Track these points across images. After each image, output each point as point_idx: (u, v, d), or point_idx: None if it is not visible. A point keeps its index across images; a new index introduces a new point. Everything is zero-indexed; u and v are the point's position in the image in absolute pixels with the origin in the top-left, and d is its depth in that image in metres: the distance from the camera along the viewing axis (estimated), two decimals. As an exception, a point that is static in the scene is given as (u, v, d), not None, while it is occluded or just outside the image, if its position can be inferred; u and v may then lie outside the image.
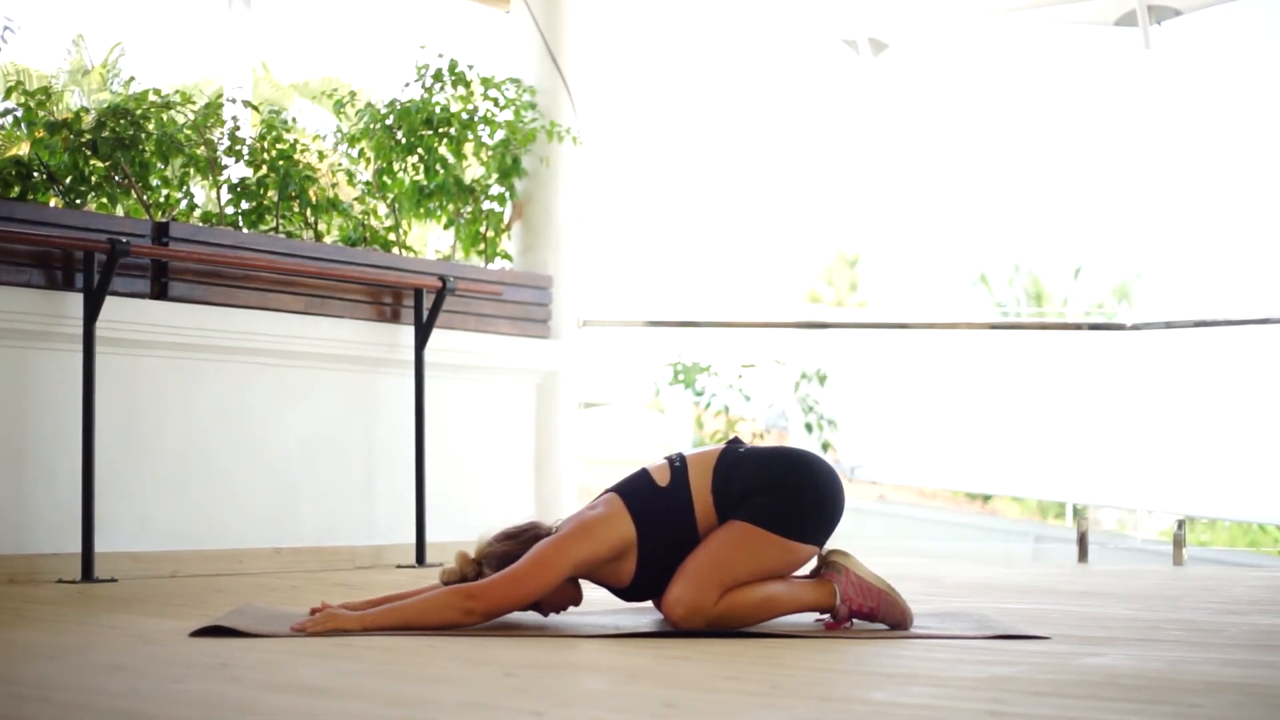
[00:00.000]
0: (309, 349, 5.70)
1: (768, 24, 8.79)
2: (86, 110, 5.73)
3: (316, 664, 2.95)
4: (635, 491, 3.62)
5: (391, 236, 6.48)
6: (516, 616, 3.86)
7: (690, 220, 21.03)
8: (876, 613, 3.62)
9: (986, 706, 2.49)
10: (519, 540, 3.64)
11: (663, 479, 3.63)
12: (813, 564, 3.74)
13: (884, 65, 8.69)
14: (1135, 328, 8.09)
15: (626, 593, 3.67)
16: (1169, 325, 8.08)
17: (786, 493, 3.57)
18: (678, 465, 3.65)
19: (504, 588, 3.50)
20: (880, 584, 3.62)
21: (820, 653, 3.23)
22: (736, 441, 3.75)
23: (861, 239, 22.92)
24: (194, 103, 5.92)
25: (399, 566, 5.77)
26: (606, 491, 3.69)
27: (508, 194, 6.91)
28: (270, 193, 5.94)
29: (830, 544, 3.72)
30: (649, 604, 3.91)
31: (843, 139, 20.05)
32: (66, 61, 11.45)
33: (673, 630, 3.56)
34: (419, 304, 5.98)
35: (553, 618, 3.84)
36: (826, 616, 3.69)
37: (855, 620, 3.67)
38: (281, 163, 5.93)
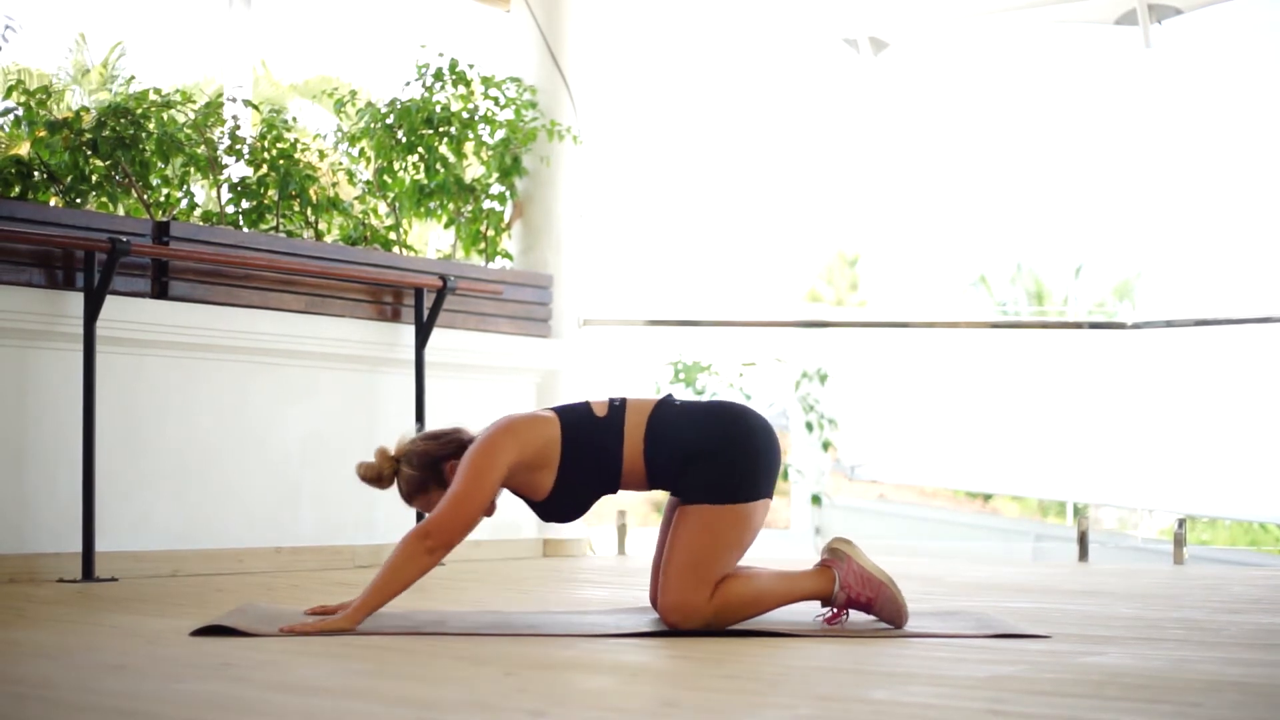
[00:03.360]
0: (309, 348, 5.70)
1: (768, 24, 8.79)
2: (87, 109, 5.73)
3: (317, 664, 2.95)
4: (571, 413, 3.67)
5: (392, 236, 6.48)
6: (515, 617, 3.86)
7: (691, 220, 21.02)
8: (874, 604, 3.61)
9: (987, 706, 2.49)
10: (440, 441, 3.68)
11: (600, 412, 3.67)
12: (813, 557, 3.74)
13: (884, 65, 8.69)
14: (1136, 327, 8.09)
15: (541, 508, 3.68)
16: (1170, 324, 8.08)
17: (727, 456, 3.57)
18: (617, 405, 3.69)
19: (451, 514, 3.52)
20: (881, 576, 3.61)
21: (820, 652, 3.23)
22: (671, 397, 3.76)
23: (861, 239, 22.91)
24: (194, 102, 5.92)
25: (399, 566, 5.77)
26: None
27: (508, 193, 6.91)
28: (270, 192, 5.94)
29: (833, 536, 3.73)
30: (649, 604, 3.91)
31: (843, 139, 20.05)
32: (67, 61, 11.45)
33: (672, 630, 3.56)
34: (419, 303, 5.98)
35: (553, 617, 3.84)
36: (826, 611, 3.68)
37: (852, 611, 3.67)
38: (282, 162, 5.93)
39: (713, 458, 3.58)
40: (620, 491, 3.71)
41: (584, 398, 3.85)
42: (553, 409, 3.71)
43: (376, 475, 3.71)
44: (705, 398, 9.68)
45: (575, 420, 3.64)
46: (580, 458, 3.61)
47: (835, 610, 3.64)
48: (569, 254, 7.00)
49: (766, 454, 3.63)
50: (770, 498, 3.65)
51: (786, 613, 3.82)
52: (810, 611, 3.83)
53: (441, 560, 3.55)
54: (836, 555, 3.64)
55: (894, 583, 3.62)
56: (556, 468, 3.61)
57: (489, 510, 3.66)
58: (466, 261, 6.87)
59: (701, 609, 3.53)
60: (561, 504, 3.66)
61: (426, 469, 3.68)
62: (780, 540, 9.60)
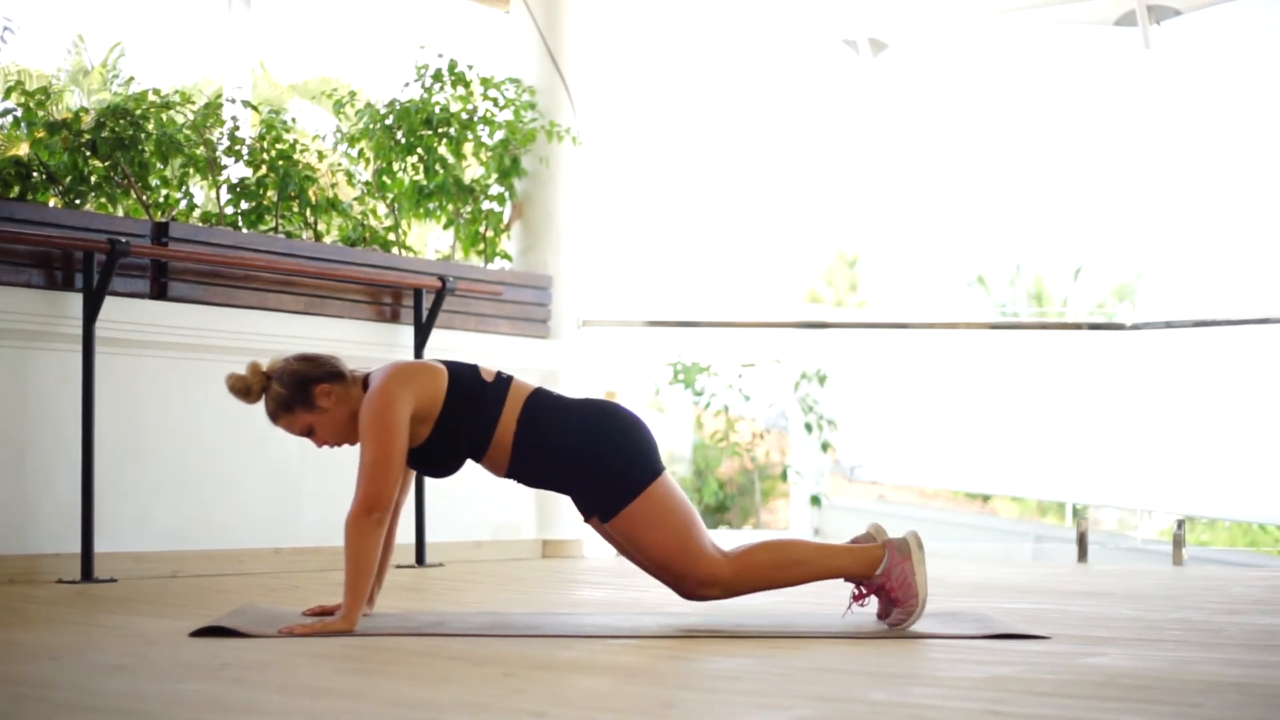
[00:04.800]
0: (309, 349, 5.69)
1: (768, 24, 8.79)
2: (86, 110, 5.73)
3: (316, 664, 2.95)
4: (461, 371, 3.71)
5: (391, 236, 6.48)
6: (515, 618, 3.86)
7: (690, 220, 21.02)
8: (897, 605, 3.61)
9: (986, 706, 2.49)
10: (314, 364, 3.71)
11: (488, 378, 3.72)
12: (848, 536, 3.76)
13: (884, 65, 8.69)
14: (1135, 328, 8.08)
15: (414, 456, 3.70)
16: (1169, 325, 8.08)
17: (614, 456, 3.63)
18: (504, 378, 3.74)
19: (379, 481, 3.55)
20: (921, 592, 3.60)
21: (820, 652, 3.23)
22: (543, 389, 3.79)
23: (861, 239, 22.90)
24: (193, 103, 5.92)
25: (398, 566, 5.77)
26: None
27: (507, 194, 6.91)
28: (270, 193, 5.94)
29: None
30: (648, 604, 3.91)
31: (843, 139, 20.05)
32: (66, 61, 11.44)
33: (672, 630, 3.56)
34: (419, 304, 5.98)
35: (552, 618, 3.83)
36: (854, 589, 3.68)
37: (872, 598, 3.68)
38: (281, 163, 5.93)
39: (602, 464, 3.62)
40: (480, 463, 3.73)
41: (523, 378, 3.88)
42: (444, 361, 3.75)
43: (245, 388, 3.73)
44: (705, 396, 9.68)
45: (463, 380, 3.68)
46: (458, 418, 3.64)
47: (863, 590, 3.64)
48: (568, 255, 7.00)
49: (645, 439, 3.69)
50: (664, 469, 3.69)
51: (785, 614, 3.82)
52: (810, 613, 3.83)
53: (390, 523, 3.70)
54: (900, 547, 3.63)
55: (924, 606, 3.61)
56: (434, 423, 3.64)
57: (354, 439, 3.71)
58: (465, 262, 6.87)
59: (719, 573, 3.59)
60: (430, 457, 3.70)
61: (295, 389, 3.69)
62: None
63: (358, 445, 3.68)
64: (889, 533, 3.71)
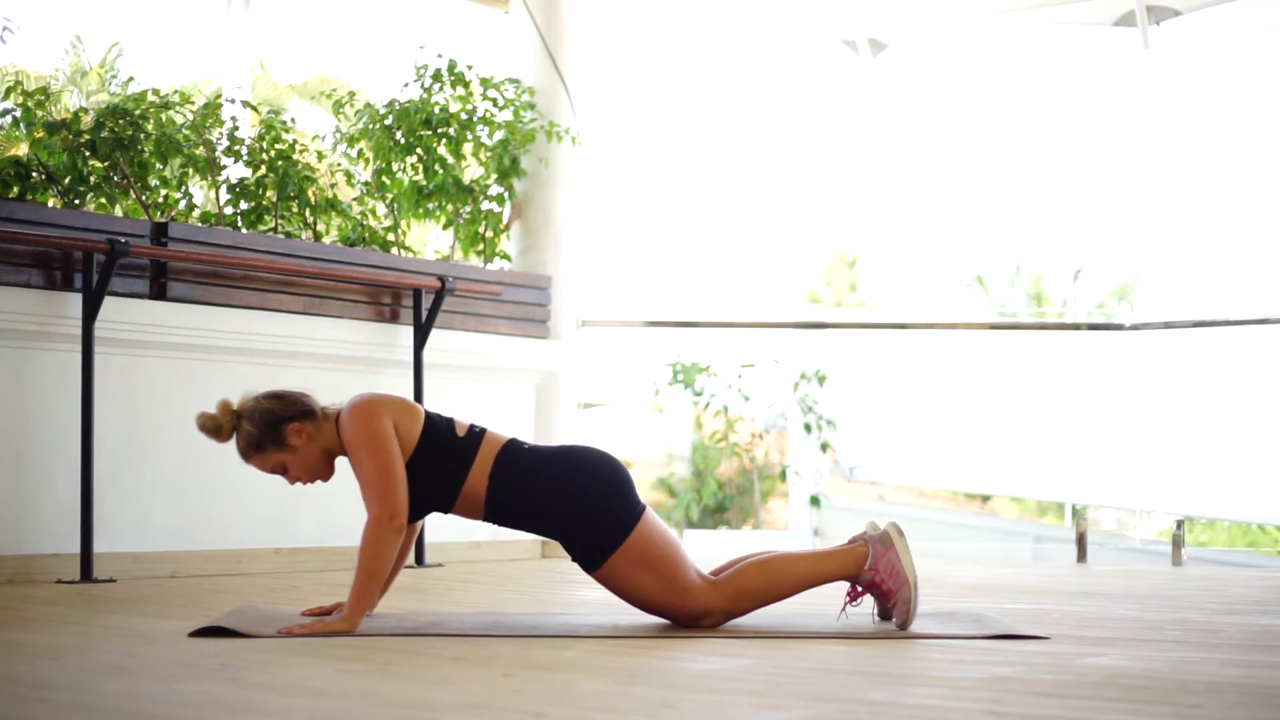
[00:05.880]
0: (308, 349, 5.70)
1: (768, 24, 8.79)
2: (85, 110, 5.73)
3: (315, 665, 2.95)
4: (437, 421, 3.68)
5: (390, 237, 6.48)
6: (513, 619, 3.86)
7: (690, 220, 21.02)
8: (891, 596, 3.60)
9: (986, 706, 2.49)
10: (285, 402, 3.67)
11: (460, 432, 3.68)
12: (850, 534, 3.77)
13: (883, 65, 8.69)
14: (1134, 328, 8.09)
15: None
16: (1168, 325, 8.08)
17: (594, 505, 3.59)
18: (476, 431, 3.69)
19: (386, 487, 3.54)
20: (910, 575, 3.60)
21: (819, 653, 3.23)
22: (518, 439, 3.76)
23: (861, 239, 22.91)
24: (193, 103, 5.91)
25: (398, 567, 5.77)
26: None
27: (506, 194, 6.91)
28: (269, 193, 5.94)
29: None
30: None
31: (842, 139, 20.05)
32: (65, 62, 11.45)
33: (671, 631, 3.57)
34: (418, 304, 5.98)
35: (551, 619, 3.83)
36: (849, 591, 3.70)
37: (867, 596, 3.67)
38: (280, 163, 5.93)
39: (576, 521, 3.59)
40: (449, 513, 3.71)
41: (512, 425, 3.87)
42: (425, 409, 3.72)
43: (215, 428, 3.70)
44: (704, 396, 9.68)
45: (437, 430, 3.65)
46: (427, 467, 3.62)
47: (857, 590, 3.65)
48: (568, 255, 6.99)
49: (619, 487, 3.63)
50: (644, 508, 3.66)
51: (784, 614, 3.83)
52: (809, 613, 3.83)
53: (406, 532, 3.69)
54: (881, 538, 3.64)
55: (917, 586, 3.62)
56: (404, 463, 3.61)
57: (326, 475, 3.73)
58: (465, 262, 6.87)
59: (709, 605, 3.57)
60: None
61: (266, 427, 3.65)
62: (779, 542, 9.60)
63: (329, 482, 3.68)
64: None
